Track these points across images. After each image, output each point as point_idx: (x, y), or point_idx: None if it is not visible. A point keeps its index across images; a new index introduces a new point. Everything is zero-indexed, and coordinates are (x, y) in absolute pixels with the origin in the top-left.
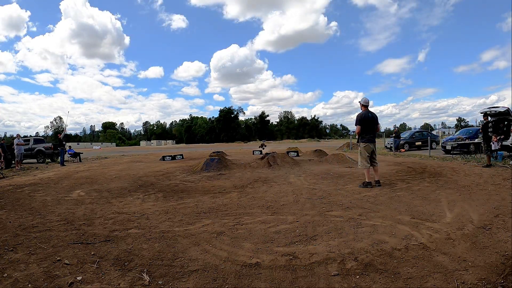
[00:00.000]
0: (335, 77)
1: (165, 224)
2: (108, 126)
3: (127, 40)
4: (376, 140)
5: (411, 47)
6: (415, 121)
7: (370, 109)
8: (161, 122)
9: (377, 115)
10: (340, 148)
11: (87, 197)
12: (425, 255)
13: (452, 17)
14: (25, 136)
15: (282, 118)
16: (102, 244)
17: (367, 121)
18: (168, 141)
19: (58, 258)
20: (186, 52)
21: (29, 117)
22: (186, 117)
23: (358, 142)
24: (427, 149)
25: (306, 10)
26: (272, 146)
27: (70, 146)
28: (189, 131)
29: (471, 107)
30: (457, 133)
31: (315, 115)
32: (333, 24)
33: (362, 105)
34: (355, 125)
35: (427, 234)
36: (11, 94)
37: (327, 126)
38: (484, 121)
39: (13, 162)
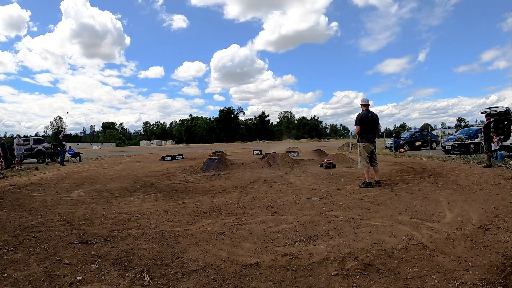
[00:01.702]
0: (335, 77)
1: (165, 224)
2: (108, 126)
3: (127, 40)
4: (376, 140)
5: (411, 47)
6: (415, 121)
7: (370, 109)
8: (161, 122)
9: (377, 115)
10: (340, 148)
11: (87, 197)
12: (425, 255)
13: (452, 17)
14: (25, 136)
15: (282, 118)
16: (102, 244)
17: (367, 121)
18: (168, 141)
19: (58, 258)
20: (187, 52)
21: (29, 117)
22: (186, 117)
23: (357, 142)
24: (427, 149)
25: (306, 10)
26: (273, 146)
27: (70, 146)
28: (189, 131)
29: (471, 107)
30: (457, 133)
31: (315, 115)
32: (334, 24)
33: (362, 105)
34: (355, 125)
35: (427, 234)
36: (11, 94)
37: (327, 126)
38: (487, 121)
39: (13, 162)
